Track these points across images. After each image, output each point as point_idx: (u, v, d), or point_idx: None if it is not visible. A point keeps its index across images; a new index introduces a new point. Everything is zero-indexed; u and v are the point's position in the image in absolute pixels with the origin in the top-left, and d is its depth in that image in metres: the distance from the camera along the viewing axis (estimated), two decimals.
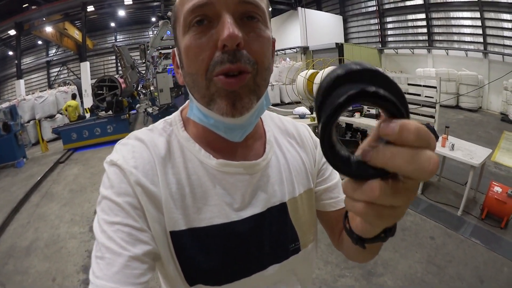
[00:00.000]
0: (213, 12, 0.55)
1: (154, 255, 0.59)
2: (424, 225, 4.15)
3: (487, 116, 12.34)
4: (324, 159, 0.84)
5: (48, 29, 19.64)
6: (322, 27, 21.00)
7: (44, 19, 17.72)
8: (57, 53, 25.74)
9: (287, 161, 0.77)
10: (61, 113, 11.77)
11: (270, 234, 0.69)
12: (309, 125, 4.58)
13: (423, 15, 18.08)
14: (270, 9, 0.66)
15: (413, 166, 0.30)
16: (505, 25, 14.11)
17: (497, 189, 4.13)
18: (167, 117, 0.74)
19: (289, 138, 0.82)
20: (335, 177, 0.85)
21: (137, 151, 0.63)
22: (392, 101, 0.33)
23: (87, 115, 11.46)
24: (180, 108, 0.76)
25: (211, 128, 0.63)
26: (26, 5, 16.83)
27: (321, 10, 23.83)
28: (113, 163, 0.62)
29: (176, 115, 0.74)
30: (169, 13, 10.48)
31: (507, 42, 14.05)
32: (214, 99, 0.57)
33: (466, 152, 4.42)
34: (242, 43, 0.54)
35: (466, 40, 16.05)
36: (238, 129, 0.63)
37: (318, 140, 0.82)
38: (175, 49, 0.67)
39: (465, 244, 3.71)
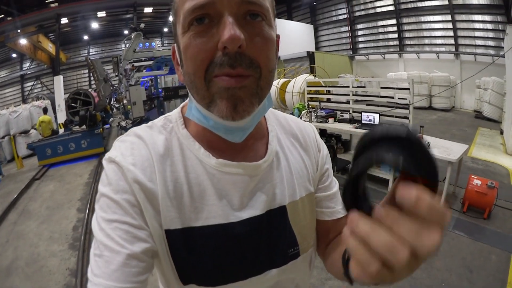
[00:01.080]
0: (215, 11, 0.53)
1: (152, 253, 0.58)
2: None
3: (460, 115, 12.76)
4: (327, 165, 0.85)
5: (23, 41, 19.40)
6: (293, 36, 21.22)
7: (18, 31, 17.53)
8: (31, 67, 25.23)
9: (289, 163, 0.75)
10: (35, 129, 11.50)
11: (268, 238, 0.67)
12: None
13: (393, 21, 18.60)
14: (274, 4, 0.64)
15: (417, 240, 0.32)
16: (477, 25, 14.65)
17: (477, 182, 4.27)
18: (167, 114, 0.73)
19: (293, 139, 0.80)
20: (334, 185, 0.85)
21: (136, 148, 0.63)
22: (424, 169, 0.35)
23: (61, 130, 11.22)
24: (181, 105, 0.74)
25: (210, 129, 0.62)
26: (2, 16, 16.55)
27: (292, 19, 24.17)
28: (111, 160, 0.61)
29: (176, 112, 0.72)
30: (142, 25, 10.46)
31: (478, 42, 14.59)
32: (215, 100, 0.55)
33: (443, 149, 4.54)
34: (244, 45, 0.52)
35: (437, 42, 16.57)
36: (238, 130, 0.62)
37: (322, 143, 0.84)
38: (174, 45, 0.65)
39: (449, 237, 3.79)
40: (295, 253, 0.71)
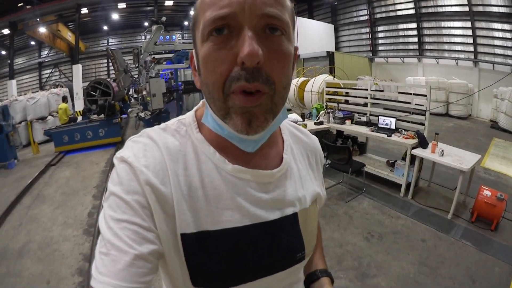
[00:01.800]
0: (235, 23, 0.53)
1: (158, 255, 0.58)
2: (415, 228, 4.22)
3: (476, 124, 12.55)
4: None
5: (42, 29, 19.58)
6: (313, 35, 21.15)
7: (38, 19, 17.67)
8: (49, 55, 25.56)
9: (300, 172, 0.78)
10: (52, 116, 11.73)
11: (280, 242, 0.68)
12: None
13: (414, 25, 18.40)
14: (295, 17, 0.64)
15: None
16: (496, 34, 14.41)
17: (487, 193, 4.24)
18: (181, 117, 0.73)
19: (303, 149, 0.83)
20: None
21: (149, 150, 0.63)
22: None
23: (79, 118, 11.41)
24: (195, 108, 0.75)
25: (225, 137, 0.64)
26: (21, 4, 16.77)
27: (313, 18, 24.06)
28: (123, 159, 0.61)
29: (190, 115, 0.73)
30: (163, 18, 10.51)
31: (497, 51, 14.35)
32: (230, 114, 0.57)
33: (456, 158, 4.51)
34: (262, 61, 0.53)
35: (456, 49, 16.34)
36: (252, 142, 0.64)
37: (323, 160, 0.90)
38: (193, 50, 0.66)
39: (456, 246, 3.79)
40: (302, 256, 0.73)
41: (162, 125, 0.71)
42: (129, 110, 15.55)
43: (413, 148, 4.94)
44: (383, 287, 3.13)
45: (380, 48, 21.27)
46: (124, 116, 13.27)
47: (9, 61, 18.07)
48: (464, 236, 4.01)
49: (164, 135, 0.67)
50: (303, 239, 0.73)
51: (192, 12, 0.59)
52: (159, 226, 0.58)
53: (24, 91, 17.78)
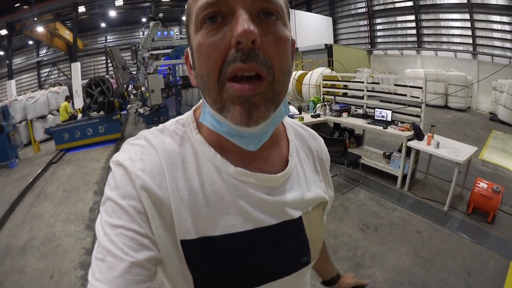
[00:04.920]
0: (227, 8, 0.51)
1: (156, 261, 0.57)
2: (410, 220, 4.27)
3: (475, 116, 12.56)
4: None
5: (39, 29, 19.56)
6: (312, 28, 21.11)
7: (35, 19, 17.66)
8: (47, 53, 25.54)
9: (305, 175, 0.75)
10: (52, 114, 11.79)
11: (284, 247, 0.67)
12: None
13: (412, 17, 18.34)
14: (289, 6, 0.63)
15: None
16: (494, 26, 14.37)
17: (483, 185, 4.30)
18: (179, 117, 0.71)
19: (308, 151, 0.81)
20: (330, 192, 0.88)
21: (146, 153, 0.61)
22: None
23: (79, 115, 11.46)
24: (193, 108, 0.73)
25: (224, 136, 0.61)
26: (18, 4, 16.75)
27: (311, 11, 24.00)
28: (119, 163, 0.59)
29: (189, 115, 0.70)
30: (160, 14, 10.50)
31: (496, 43, 14.32)
32: (227, 106, 0.54)
33: (451, 150, 4.55)
34: (258, 41, 0.50)
35: (455, 41, 16.32)
36: (253, 137, 0.60)
37: (329, 160, 0.89)
38: (188, 49, 0.64)
39: (451, 238, 3.83)
40: (307, 260, 0.72)
41: (160, 126, 0.69)
42: (129, 106, 15.58)
43: (409, 140, 4.98)
44: (377, 277, 3.19)
45: (379, 40, 21.23)
46: (124, 112, 13.29)
47: (7, 62, 18.07)
48: (460, 228, 4.05)
49: (162, 137, 0.64)
50: (308, 243, 0.72)
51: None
52: (157, 232, 0.57)
53: (23, 90, 17.85)
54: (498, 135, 9.56)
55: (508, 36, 13.89)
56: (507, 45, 13.89)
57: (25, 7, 16.67)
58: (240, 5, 0.51)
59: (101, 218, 0.56)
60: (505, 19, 13.88)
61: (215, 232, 0.60)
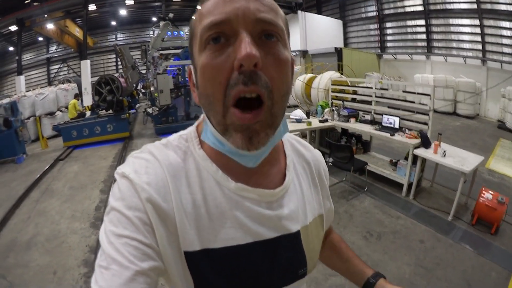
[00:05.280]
0: (230, 29, 0.54)
1: (159, 271, 0.58)
2: (414, 229, 4.25)
3: (484, 123, 12.43)
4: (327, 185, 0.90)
5: (49, 26, 19.70)
6: (322, 31, 21.08)
7: (45, 16, 17.77)
8: (57, 50, 25.73)
9: (302, 189, 0.78)
10: (61, 111, 11.90)
11: (282, 260, 0.69)
12: (305, 129, 4.58)
13: (422, 21, 18.20)
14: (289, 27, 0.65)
15: None
16: (504, 32, 14.21)
17: (488, 195, 4.25)
18: (182, 132, 0.73)
19: (305, 164, 0.83)
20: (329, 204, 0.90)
21: (151, 166, 0.62)
22: None
23: (88, 113, 11.55)
24: (196, 123, 0.74)
25: (225, 154, 0.63)
26: (28, 1, 16.83)
27: (321, 14, 23.93)
28: (124, 175, 0.61)
29: (191, 130, 0.72)
30: (170, 15, 10.54)
31: (505, 49, 14.15)
32: (230, 131, 0.57)
33: (458, 159, 4.53)
34: (260, 63, 0.53)
35: (464, 47, 16.16)
36: (252, 156, 0.62)
37: (327, 173, 0.91)
38: (191, 66, 0.66)
39: (454, 248, 3.81)
40: (304, 272, 0.74)
41: (164, 140, 0.71)
42: (138, 105, 15.65)
43: (416, 148, 4.95)
44: None
45: (389, 44, 21.08)
46: (133, 111, 13.37)
47: (17, 57, 18.20)
48: (463, 238, 4.02)
49: (166, 151, 0.66)
50: (305, 255, 0.74)
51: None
52: (161, 244, 0.58)
53: (32, 86, 17.93)
54: (505, 143, 9.44)
55: None
56: None
57: (35, 3, 16.74)
58: (243, 27, 0.54)
59: (106, 227, 0.57)
60: None
61: (216, 244, 0.62)
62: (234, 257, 0.63)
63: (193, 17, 0.61)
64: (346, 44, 23.43)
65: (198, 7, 0.60)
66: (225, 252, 0.62)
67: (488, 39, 14.89)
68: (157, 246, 0.58)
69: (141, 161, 0.64)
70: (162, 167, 0.63)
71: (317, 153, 0.90)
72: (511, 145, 9.30)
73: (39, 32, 20.89)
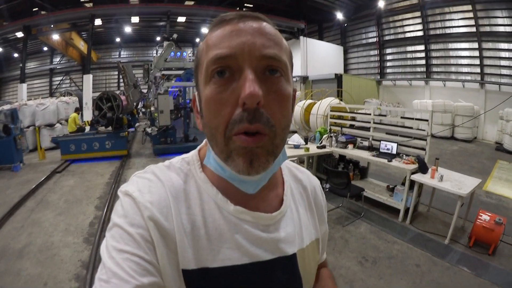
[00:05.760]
0: (236, 64, 0.56)
1: (158, 287, 0.58)
2: (410, 254, 4.20)
3: (481, 146, 12.56)
4: (325, 214, 0.91)
5: (55, 36, 19.96)
6: (322, 57, 21.44)
7: (52, 26, 18.00)
8: (61, 62, 26.08)
9: (299, 214, 0.80)
10: (61, 123, 11.93)
11: (277, 281, 0.69)
12: (303, 155, 4.62)
13: (422, 47, 18.60)
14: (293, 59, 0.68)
15: None
16: (502, 54, 14.63)
17: (485, 217, 4.26)
18: (184, 156, 0.76)
19: (302, 190, 0.86)
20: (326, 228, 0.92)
21: (154, 186, 0.64)
22: None
23: (87, 128, 11.57)
24: (198, 147, 0.77)
25: (226, 179, 0.65)
26: (36, 9, 17.06)
27: (322, 39, 24.35)
28: (128, 193, 0.63)
29: (194, 154, 0.75)
30: (175, 35, 10.65)
31: (504, 71, 14.48)
32: (232, 156, 0.58)
33: (455, 183, 4.54)
34: (262, 102, 0.55)
35: (463, 71, 16.51)
36: (252, 182, 0.65)
37: (324, 198, 0.92)
38: (196, 93, 0.68)
39: (451, 271, 3.78)
40: None
41: (166, 162, 0.73)
42: (137, 124, 15.68)
43: (413, 173, 4.96)
44: None
45: (388, 70, 21.47)
46: (131, 129, 13.40)
47: (21, 65, 18.28)
48: (460, 261, 4.00)
49: (169, 173, 0.69)
50: (301, 278, 0.75)
51: (195, 58, 0.68)
52: (161, 261, 0.59)
53: (34, 95, 18.06)
54: (503, 165, 9.53)
55: None
56: None
57: (43, 12, 16.95)
58: (248, 63, 0.56)
59: (107, 242, 0.58)
60: None
61: (214, 264, 0.63)
62: (230, 277, 0.64)
63: (200, 46, 0.64)
64: (346, 70, 23.83)
65: (206, 31, 0.62)
66: (222, 271, 0.63)
67: (486, 61, 15.24)
68: (157, 263, 0.59)
69: (145, 181, 0.66)
70: (165, 188, 0.65)
71: (314, 179, 0.92)
72: (509, 166, 9.38)
73: (45, 41, 21.14)
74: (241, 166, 0.58)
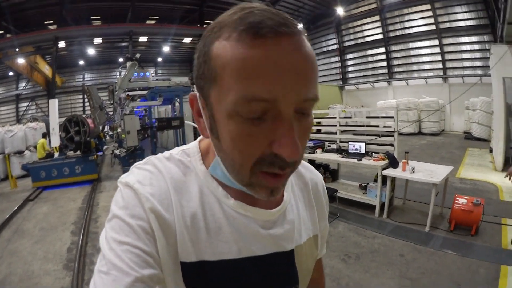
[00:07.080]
0: (274, 108, 0.49)
1: (158, 280, 0.57)
2: (392, 245, 4.29)
3: (450, 138, 12.99)
4: (326, 212, 0.92)
5: (20, 60, 19.52)
6: None
7: (16, 49, 17.61)
8: (26, 87, 25.23)
9: (298, 210, 0.79)
10: (30, 150, 11.58)
11: (274, 276, 0.70)
12: None
13: (382, 49, 19.11)
14: None
15: None
16: (464, 47, 15.16)
17: (462, 200, 4.44)
18: (184, 146, 0.74)
19: (303, 185, 0.84)
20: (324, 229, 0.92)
21: (154, 178, 0.64)
22: None
23: (56, 154, 11.27)
24: (198, 139, 0.75)
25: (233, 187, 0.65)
26: (2, 32, 16.67)
27: None
28: (128, 185, 0.62)
29: (194, 145, 0.73)
30: (137, 55, 10.52)
31: (466, 63, 15.04)
32: (254, 187, 0.57)
33: (427, 172, 4.71)
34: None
35: (425, 68, 17.03)
36: None
37: (326, 194, 0.93)
38: (196, 94, 0.61)
39: (436, 256, 3.88)
40: None
41: (166, 153, 0.71)
42: (105, 147, 15.35)
43: (384, 169, 5.09)
44: None
45: (350, 75, 21.98)
46: (100, 153, 13.17)
47: None
48: (444, 245, 4.13)
49: (169, 165, 0.67)
50: (297, 274, 0.75)
51: (196, 59, 0.57)
52: (161, 253, 0.58)
53: (1, 122, 17.41)
54: (474, 152, 9.94)
55: (477, 55, 14.65)
56: (477, 63, 14.63)
57: (8, 35, 16.55)
58: (288, 109, 0.50)
59: (107, 234, 0.57)
60: (473, 38, 14.71)
61: (212, 257, 0.63)
62: (227, 270, 0.64)
63: (217, 45, 0.51)
64: None
65: (201, 32, 0.57)
66: (219, 265, 0.63)
67: (448, 56, 15.80)
68: (158, 255, 0.58)
69: (145, 173, 0.65)
70: (165, 180, 0.64)
71: (316, 175, 0.91)
72: (480, 152, 9.76)
73: (10, 66, 20.59)
74: (262, 195, 0.57)
